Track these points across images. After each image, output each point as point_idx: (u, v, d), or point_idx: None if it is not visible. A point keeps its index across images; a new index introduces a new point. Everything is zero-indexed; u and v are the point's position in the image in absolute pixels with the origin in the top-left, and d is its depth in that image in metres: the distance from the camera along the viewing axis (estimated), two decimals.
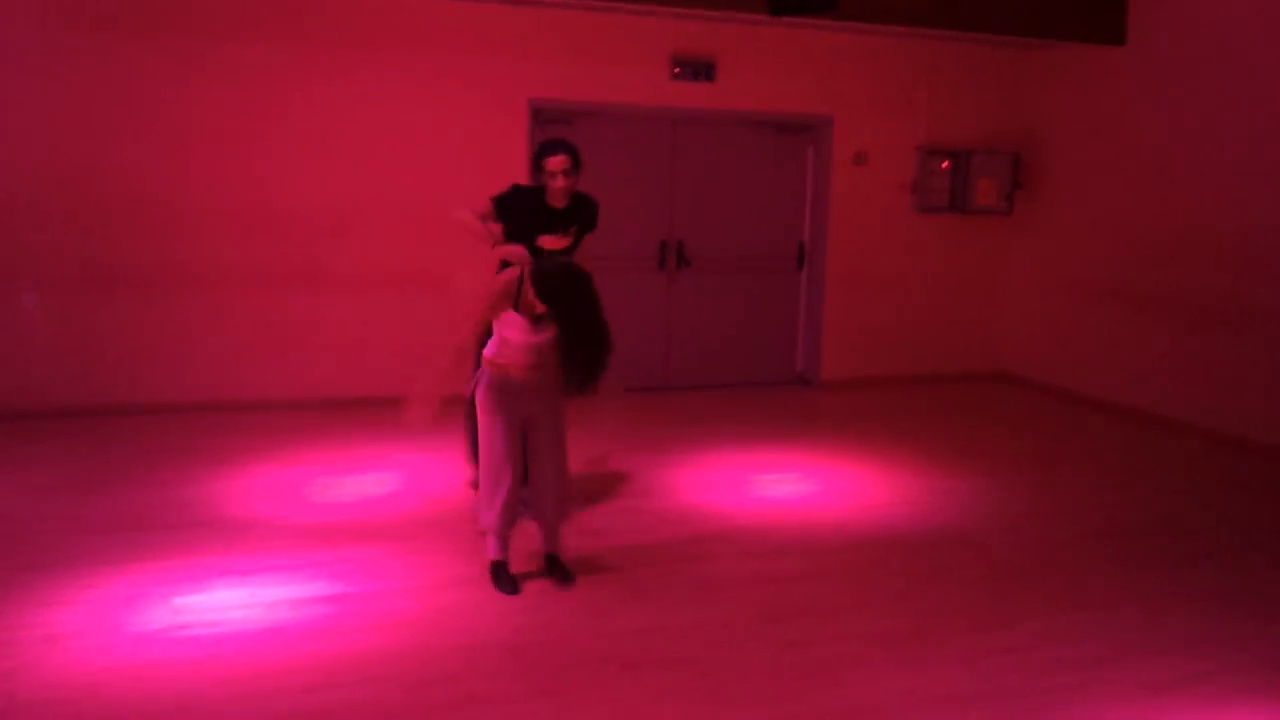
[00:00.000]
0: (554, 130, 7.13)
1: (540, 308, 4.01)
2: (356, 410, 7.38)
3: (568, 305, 3.94)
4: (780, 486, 5.96)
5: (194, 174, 7.07)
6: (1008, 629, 4.15)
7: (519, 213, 5.03)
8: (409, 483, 5.81)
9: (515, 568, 4.45)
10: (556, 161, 4.93)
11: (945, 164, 8.83)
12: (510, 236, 4.96)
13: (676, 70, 7.96)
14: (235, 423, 6.98)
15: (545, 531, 4.52)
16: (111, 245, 6.96)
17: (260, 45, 7.06)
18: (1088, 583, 4.67)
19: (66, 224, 6.85)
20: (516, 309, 4.10)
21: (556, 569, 4.48)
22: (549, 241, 5.01)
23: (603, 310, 4.00)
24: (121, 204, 6.95)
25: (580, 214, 5.17)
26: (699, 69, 8.00)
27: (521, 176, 7.20)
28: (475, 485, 4.76)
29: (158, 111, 6.93)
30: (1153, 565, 4.89)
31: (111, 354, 7.06)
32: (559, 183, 4.95)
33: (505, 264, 4.62)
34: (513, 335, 4.15)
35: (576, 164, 4.99)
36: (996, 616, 4.26)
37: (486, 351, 4.28)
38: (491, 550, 4.41)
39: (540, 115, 7.77)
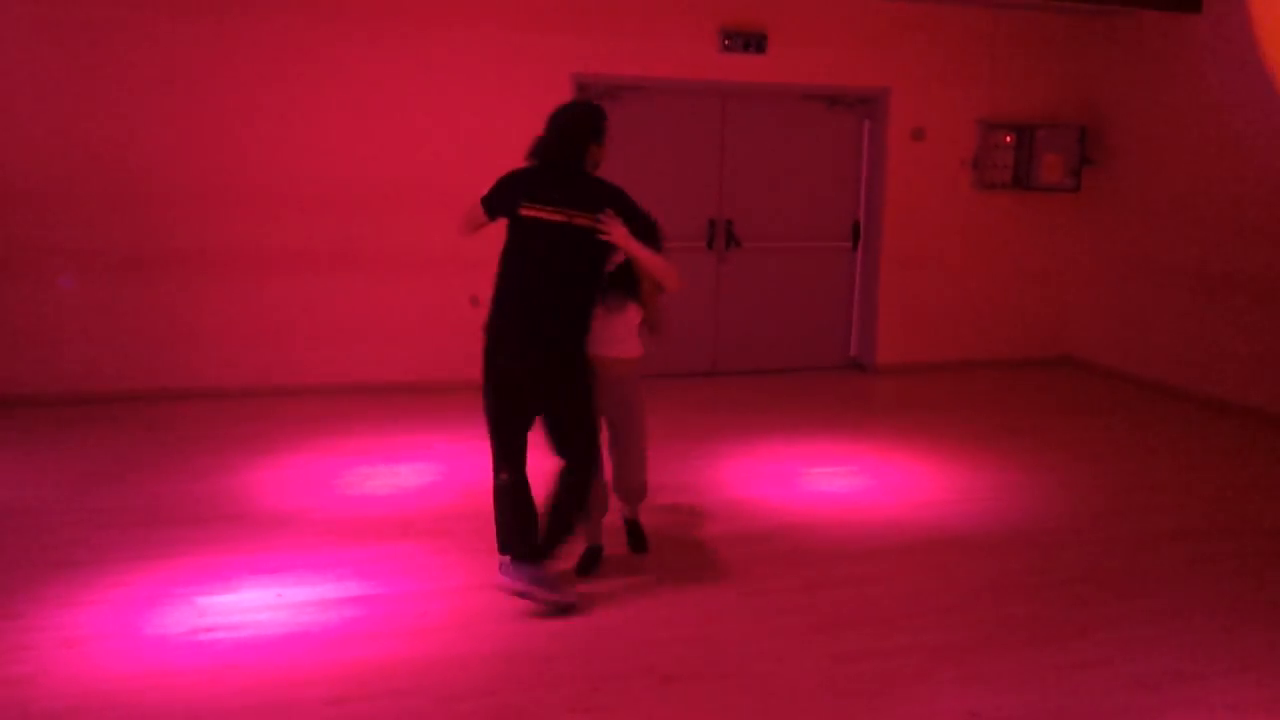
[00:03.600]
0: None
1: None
2: (397, 396, 7.26)
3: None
4: (832, 480, 5.70)
5: (233, 155, 6.94)
6: (1077, 641, 3.86)
7: None
8: (447, 474, 5.64)
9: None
10: None
11: (1008, 138, 8.44)
12: None
13: (726, 42, 7.65)
14: (272, 409, 6.87)
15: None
16: (148, 228, 6.87)
17: (300, 22, 6.89)
18: (1164, 590, 4.35)
19: (103, 207, 6.77)
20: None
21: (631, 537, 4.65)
22: None
23: None
24: (158, 187, 6.84)
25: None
26: (749, 40, 7.69)
27: None
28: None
29: (196, 91, 6.80)
30: (1235, 570, 4.57)
31: (148, 339, 6.98)
32: None
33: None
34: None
35: None
36: (1065, 627, 3.98)
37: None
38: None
39: (584, 90, 7.53)
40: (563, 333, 3.94)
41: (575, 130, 4.02)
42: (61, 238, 6.73)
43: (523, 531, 4.01)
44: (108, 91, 6.66)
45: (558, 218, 3.88)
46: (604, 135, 4.10)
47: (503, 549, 4.11)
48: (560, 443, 4.07)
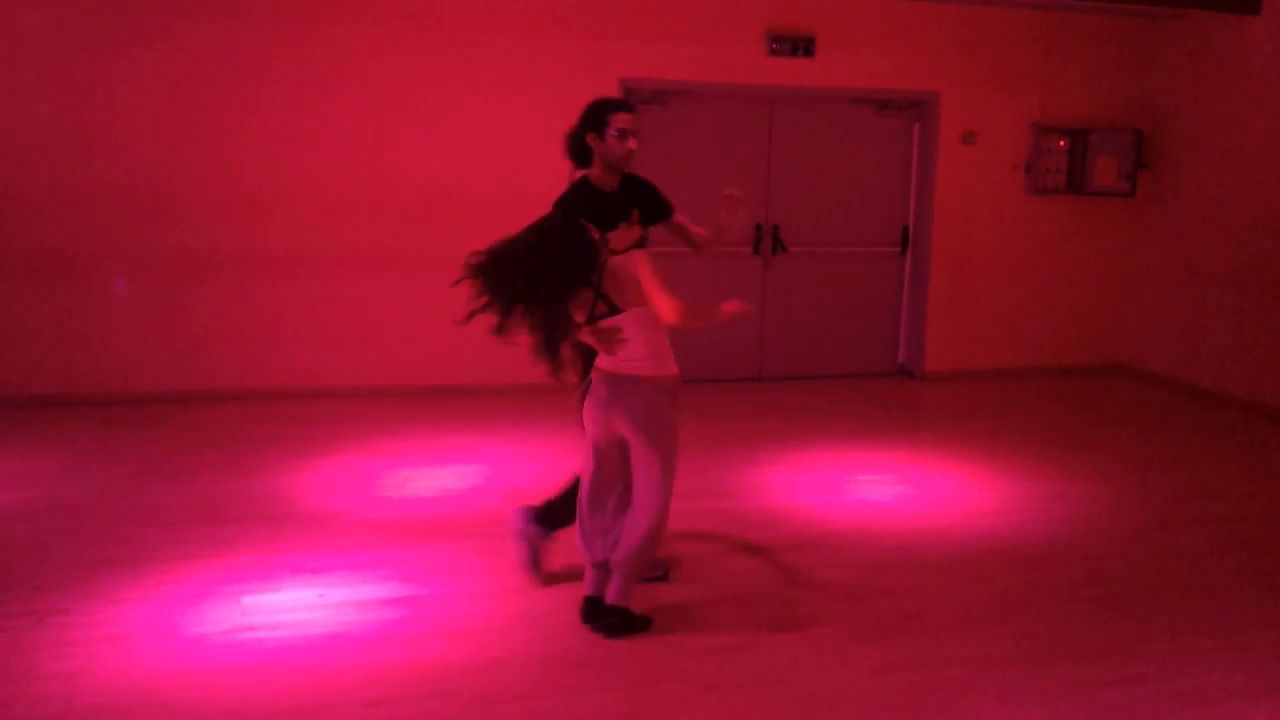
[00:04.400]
0: (648, 111, 6.84)
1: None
2: (444, 398, 7.30)
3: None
4: (878, 489, 5.62)
5: (282, 160, 7.02)
6: (1129, 656, 3.76)
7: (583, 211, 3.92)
8: (491, 476, 5.65)
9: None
10: (626, 118, 3.99)
11: (1061, 142, 8.30)
12: None
13: (774, 46, 7.60)
14: (321, 410, 6.93)
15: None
16: (200, 230, 6.97)
17: (348, 29, 6.95)
18: (1219, 604, 4.23)
19: (156, 209, 6.88)
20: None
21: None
22: (619, 239, 3.88)
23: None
24: (211, 189, 6.94)
25: (638, 194, 4.17)
26: (797, 44, 7.63)
27: None
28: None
29: (245, 97, 6.89)
30: None
31: (196, 340, 7.08)
32: (631, 144, 3.99)
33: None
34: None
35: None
36: (1116, 642, 3.87)
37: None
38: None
39: (632, 95, 7.52)
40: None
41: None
42: (114, 242, 6.84)
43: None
44: (162, 96, 6.76)
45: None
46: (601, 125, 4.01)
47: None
48: None
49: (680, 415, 3.80)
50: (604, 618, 3.84)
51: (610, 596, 3.83)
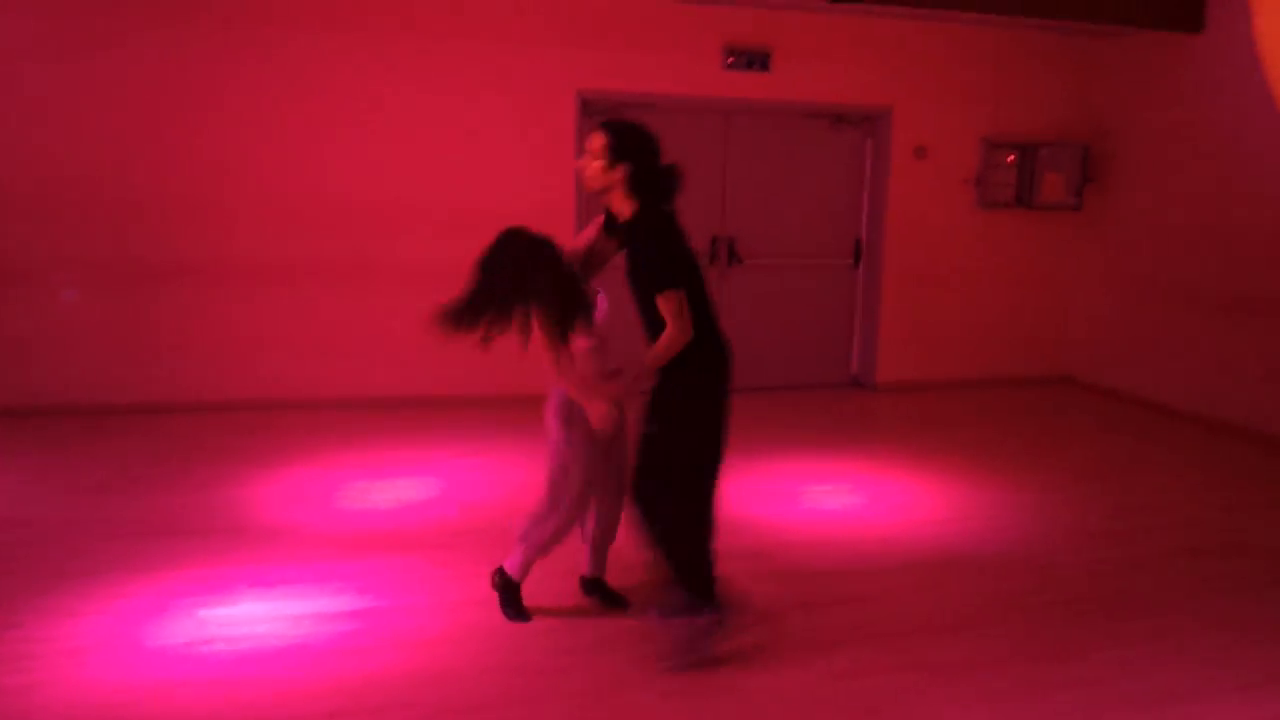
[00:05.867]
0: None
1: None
2: (402, 410, 7.28)
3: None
4: (832, 498, 5.70)
5: (241, 169, 6.98)
6: (1075, 660, 3.86)
7: None
8: (447, 489, 5.65)
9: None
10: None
11: (1010, 157, 8.47)
12: None
13: (730, 60, 7.70)
14: (277, 422, 6.89)
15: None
16: (153, 240, 6.91)
17: (308, 37, 6.94)
18: (1164, 609, 4.35)
19: (109, 218, 6.81)
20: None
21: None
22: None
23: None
24: (164, 198, 6.88)
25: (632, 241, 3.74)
26: (753, 59, 7.73)
27: (569, 169, 7.06)
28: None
29: (203, 103, 6.85)
30: (1235, 590, 4.56)
31: (153, 350, 7.01)
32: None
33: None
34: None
35: (609, 149, 3.61)
36: (1063, 646, 3.98)
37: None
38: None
39: (589, 107, 7.57)
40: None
41: None
42: (65, 250, 6.77)
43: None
44: (115, 102, 6.70)
45: None
46: None
47: (713, 601, 3.82)
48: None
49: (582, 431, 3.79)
50: (495, 576, 4.12)
51: (508, 565, 4.08)
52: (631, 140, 3.63)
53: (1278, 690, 3.68)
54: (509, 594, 4.08)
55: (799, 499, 5.66)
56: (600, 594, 4.24)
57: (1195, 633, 4.13)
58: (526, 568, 4.05)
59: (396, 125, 7.20)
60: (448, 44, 7.20)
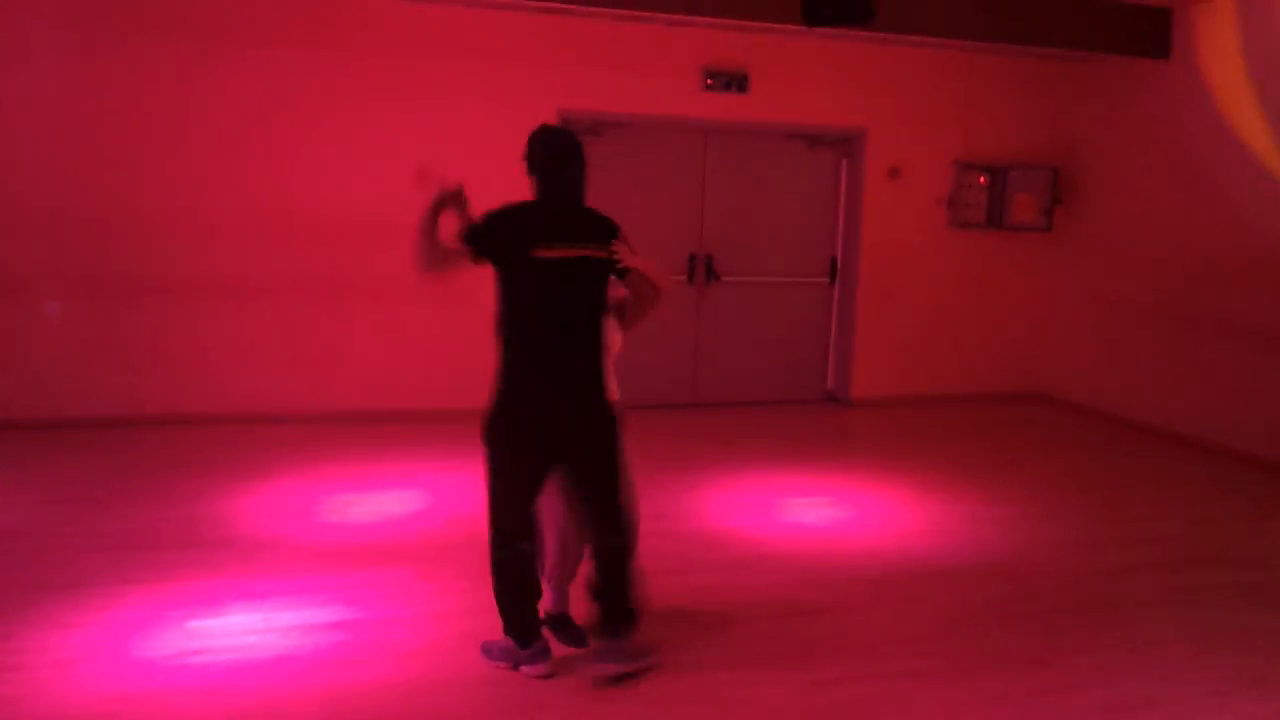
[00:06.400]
0: (585, 142, 6.96)
1: None
2: (382, 425, 7.30)
3: None
4: (809, 511, 5.79)
5: (218, 183, 7.00)
6: (1049, 668, 3.96)
7: None
8: (432, 502, 5.69)
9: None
10: None
11: (982, 179, 8.64)
12: None
13: (709, 81, 7.82)
14: (258, 436, 6.90)
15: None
16: (133, 254, 6.91)
17: (286, 53, 6.99)
18: (1135, 619, 4.47)
19: (88, 232, 6.81)
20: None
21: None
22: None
23: None
24: (144, 212, 6.89)
25: None
26: (731, 80, 7.86)
27: None
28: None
29: (180, 119, 6.87)
30: (1205, 600, 4.68)
31: (134, 364, 7.01)
32: None
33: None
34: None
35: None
36: (1038, 655, 4.07)
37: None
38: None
39: (569, 126, 7.64)
40: (595, 375, 3.71)
41: (584, 164, 3.90)
42: (48, 264, 6.76)
43: (532, 609, 3.82)
44: (93, 117, 6.72)
45: (574, 253, 3.64)
46: None
47: (528, 638, 3.75)
48: (599, 500, 3.76)
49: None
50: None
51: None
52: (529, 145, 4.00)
53: (1247, 696, 3.79)
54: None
55: (777, 512, 5.74)
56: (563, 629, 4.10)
57: (1166, 641, 4.24)
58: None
59: (374, 141, 7.24)
60: (429, 62, 7.27)
